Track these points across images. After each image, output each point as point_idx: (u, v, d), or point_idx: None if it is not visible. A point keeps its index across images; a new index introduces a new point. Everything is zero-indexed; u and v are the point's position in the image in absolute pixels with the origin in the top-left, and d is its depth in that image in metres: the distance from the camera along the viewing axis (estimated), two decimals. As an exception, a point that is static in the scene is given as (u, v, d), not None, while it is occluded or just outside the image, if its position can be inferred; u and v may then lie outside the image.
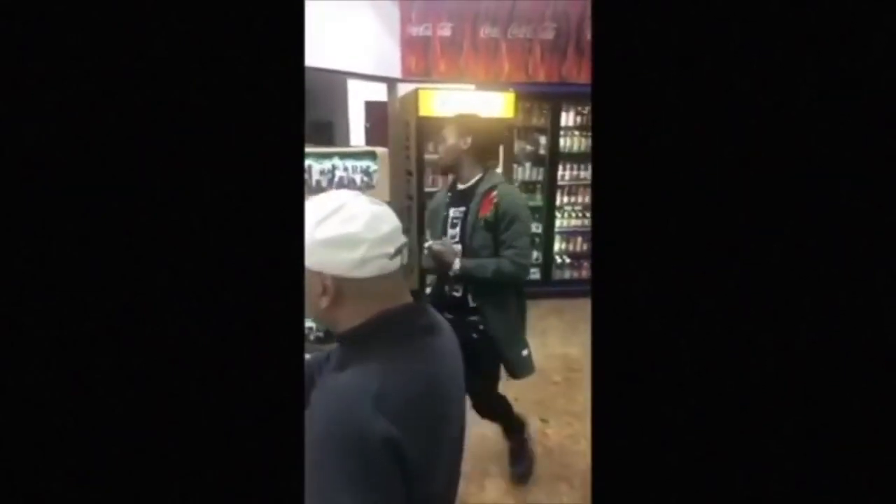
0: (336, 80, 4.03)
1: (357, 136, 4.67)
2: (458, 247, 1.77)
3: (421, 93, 3.26)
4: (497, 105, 3.40)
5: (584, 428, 2.37)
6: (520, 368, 1.88)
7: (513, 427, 2.14)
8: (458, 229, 1.79)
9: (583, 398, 2.59)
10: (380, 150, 2.42)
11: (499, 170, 1.99)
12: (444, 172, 1.93)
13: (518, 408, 2.45)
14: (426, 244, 1.82)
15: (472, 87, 3.86)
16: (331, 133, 4.31)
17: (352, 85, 4.39)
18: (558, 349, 3.15)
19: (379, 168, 2.38)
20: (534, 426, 2.24)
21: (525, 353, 1.86)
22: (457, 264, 1.72)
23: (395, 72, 3.85)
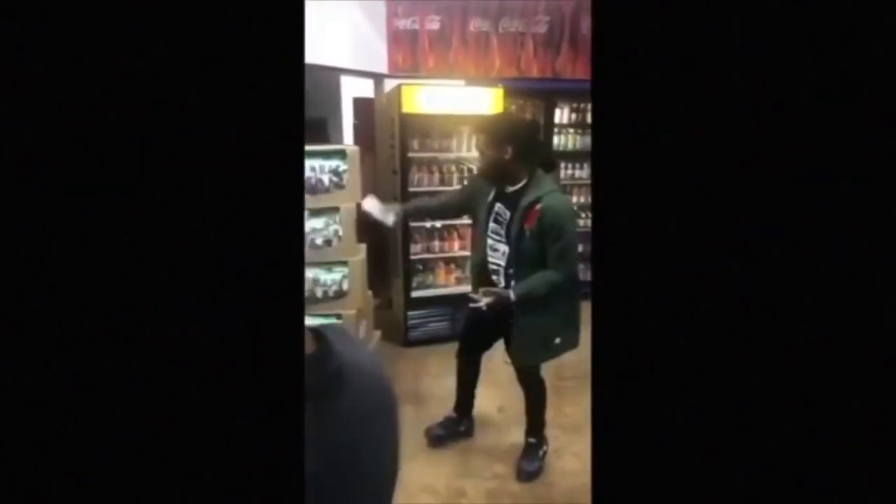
0: (330, 77, 3.95)
1: (350, 133, 4.61)
2: (504, 247, 1.78)
3: (404, 89, 3.12)
4: (485, 101, 3.21)
5: (569, 442, 2.26)
6: (521, 351, 1.87)
7: (537, 422, 2.10)
8: (501, 227, 1.79)
9: (571, 410, 2.47)
10: (350, 148, 2.24)
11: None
12: (487, 180, 1.84)
13: (502, 419, 2.35)
14: (480, 303, 1.74)
15: (462, 82, 3.69)
16: (325, 130, 4.25)
17: (345, 81, 4.31)
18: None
19: (349, 167, 2.21)
20: (519, 439, 2.15)
21: (557, 339, 1.84)
22: (512, 296, 1.74)
23: (383, 67, 3.72)
